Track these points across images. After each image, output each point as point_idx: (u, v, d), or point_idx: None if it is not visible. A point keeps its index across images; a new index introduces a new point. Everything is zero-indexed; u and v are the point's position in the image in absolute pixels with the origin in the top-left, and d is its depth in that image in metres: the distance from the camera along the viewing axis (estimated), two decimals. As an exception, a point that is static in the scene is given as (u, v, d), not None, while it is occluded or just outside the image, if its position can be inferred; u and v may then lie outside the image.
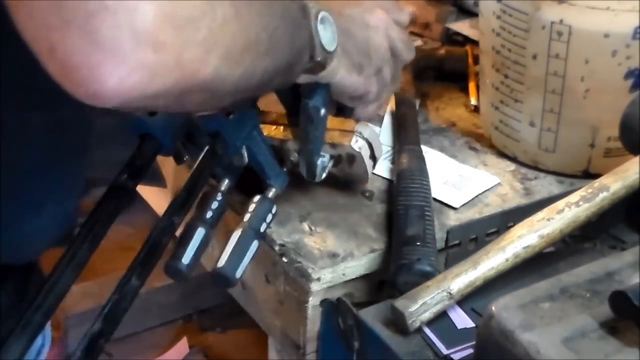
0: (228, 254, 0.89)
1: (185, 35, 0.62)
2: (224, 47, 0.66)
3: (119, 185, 0.86)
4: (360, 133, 1.01)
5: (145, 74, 0.61)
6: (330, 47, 0.87)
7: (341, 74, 0.94)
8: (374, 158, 1.03)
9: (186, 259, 0.85)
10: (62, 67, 0.60)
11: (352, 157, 1.01)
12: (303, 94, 0.95)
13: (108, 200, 0.85)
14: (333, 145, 1.00)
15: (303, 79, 0.91)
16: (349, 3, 0.98)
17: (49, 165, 0.82)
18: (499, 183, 1.11)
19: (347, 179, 1.05)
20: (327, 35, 0.86)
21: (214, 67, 0.65)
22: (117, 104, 0.62)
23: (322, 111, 0.95)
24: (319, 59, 0.87)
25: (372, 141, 1.02)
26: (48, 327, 0.91)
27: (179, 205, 0.86)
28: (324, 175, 1.00)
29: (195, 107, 0.73)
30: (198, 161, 0.91)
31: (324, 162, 1.00)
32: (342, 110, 1.04)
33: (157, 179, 1.17)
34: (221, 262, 0.88)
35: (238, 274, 0.88)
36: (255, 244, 0.91)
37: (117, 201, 0.85)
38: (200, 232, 0.87)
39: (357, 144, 1.00)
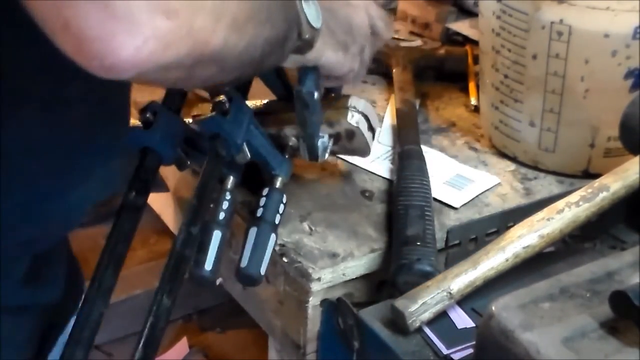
0: (249, 252, 0.89)
1: (196, 4, 0.63)
2: (231, 15, 0.67)
3: (130, 204, 0.86)
4: (355, 107, 1.01)
5: (160, 43, 0.62)
6: (316, 24, 0.87)
7: (328, 54, 0.94)
8: (372, 129, 1.03)
9: (209, 264, 0.86)
10: (76, 42, 0.61)
11: (351, 133, 1.01)
12: (286, 76, 0.95)
13: (122, 221, 0.86)
14: (330, 124, 1.01)
15: (292, 60, 0.91)
16: None
17: (93, 129, 0.83)
18: (499, 183, 1.11)
19: (349, 154, 1.06)
20: (311, 13, 0.87)
21: (222, 36, 0.67)
22: (131, 76, 0.63)
23: (316, 95, 0.95)
24: (307, 36, 0.87)
25: (368, 113, 1.02)
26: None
27: (193, 214, 0.86)
28: (326, 156, 1.01)
29: (204, 82, 0.74)
30: (204, 167, 0.91)
31: (324, 142, 1.00)
32: (330, 89, 1.04)
33: (159, 186, 1.17)
34: (244, 262, 0.89)
35: (262, 270, 0.89)
36: (273, 238, 0.92)
37: (131, 220, 0.86)
38: (217, 235, 0.88)
39: (354, 119, 1.01)
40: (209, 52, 0.66)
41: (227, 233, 0.90)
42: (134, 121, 0.94)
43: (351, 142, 1.03)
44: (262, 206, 0.94)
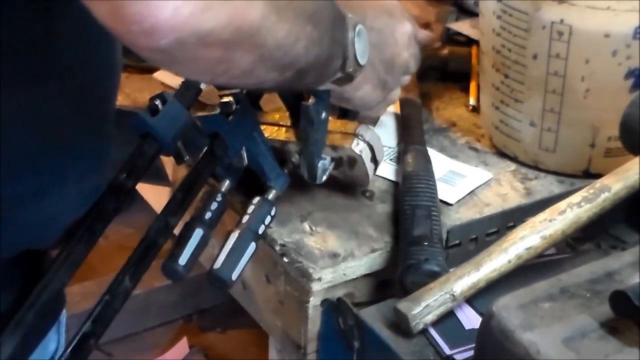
0: (225, 255, 0.89)
1: None
2: None
3: (118, 185, 0.85)
4: (362, 136, 1.01)
5: (198, 6, 0.62)
6: (362, 60, 0.87)
7: (365, 89, 0.95)
8: (375, 161, 1.03)
9: (183, 259, 0.85)
10: (114, 7, 0.61)
11: (353, 160, 1.01)
12: (304, 96, 0.95)
13: (106, 200, 0.84)
14: (334, 148, 1.00)
15: (329, 88, 0.91)
16: (379, 9, 0.98)
17: (69, 136, 0.82)
18: (494, 179, 1.11)
19: (348, 181, 1.05)
20: (360, 48, 0.86)
21: (260, 11, 0.66)
22: (172, 44, 0.63)
23: (323, 114, 0.95)
24: (350, 70, 0.86)
25: (374, 144, 1.02)
26: (63, 331, 0.91)
27: (175, 205, 0.85)
28: (324, 178, 1.00)
29: (243, 75, 0.72)
30: (197, 162, 0.91)
31: (324, 164, 1.00)
32: (346, 113, 1.04)
33: (161, 178, 1.17)
34: (217, 264, 0.88)
35: (234, 276, 0.88)
36: (252, 246, 0.90)
37: (115, 200, 0.84)
38: (198, 233, 0.87)
39: (358, 147, 1.00)
40: (247, 27, 0.66)
41: (210, 234, 0.89)
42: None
43: (352, 169, 1.02)
44: (249, 213, 0.93)
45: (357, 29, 0.86)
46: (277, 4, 0.69)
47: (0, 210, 0.78)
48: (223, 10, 0.63)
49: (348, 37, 0.85)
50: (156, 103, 0.90)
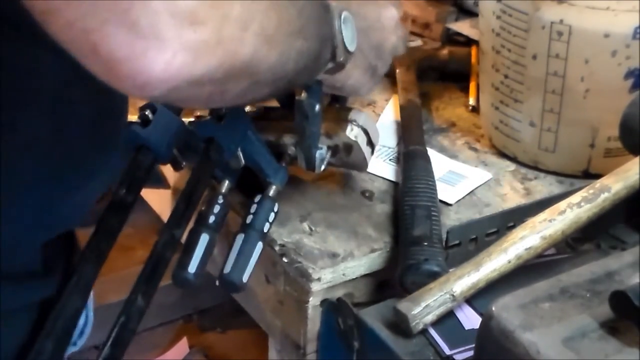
0: (234, 258, 0.89)
1: (221, 12, 0.63)
2: (259, 24, 0.67)
3: (119, 201, 0.85)
4: (355, 121, 1.01)
5: (189, 55, 0.61)
6: (351, 47, 0.87)
7: (356, 77, 0.94)
8: (371, 144, 1.03)
9: (192, 267, 0.85)
10: (107, 65, 0.61)
11: (349, 146, 1.01)
12: (296, 91, 0.95)
13: (109, 217, 0.84)
14: (329, 136, 1.00)
15: (320, 79, 0.91)
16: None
17: (96, 132, 0.82)
18: (494, 179, 1.11)
19: (347, 167, 1.05)
20: (348, 35, 0.86)
21: (251, 46, 0.66)
22: (165, 93, 0.63)
23: (317, 107, 0.95)
24: (341, 59, 0.86)
25: (368, 128, 1.02)
26: (90, 307, 0.91)
27: (178, 217, 0.85)
28: (323, 167, 1.00)
29: (238, 97, 0.72)
30: (194, 169, 0.90)
31: (322, 153, 1.00)
32: (337, 98, 1.04)
33: (159, 182, 1.17)
34: (227, 268, 0.88)
35: (245, 277, 0.88)
36: (259, 246, 0.91)
37: (118, 217, 0.84)
38: (204, 239, 0.87)
39: (353, 133, 1.00)
40: (240, 63, 0.66)
41: (216, 238, 0.89)
42: (132, 117, 0.93)
43: (349, 155, 1.02)
44: (253, 213, 0.93)
45: (342, 16, 0.85)
46: (267, 31, 0.68)
47: (41, 206, 0.79)
48: (214, 54, 0.63)
49: (334, 26, 0.84)
50: (146, 113, 0.90)
